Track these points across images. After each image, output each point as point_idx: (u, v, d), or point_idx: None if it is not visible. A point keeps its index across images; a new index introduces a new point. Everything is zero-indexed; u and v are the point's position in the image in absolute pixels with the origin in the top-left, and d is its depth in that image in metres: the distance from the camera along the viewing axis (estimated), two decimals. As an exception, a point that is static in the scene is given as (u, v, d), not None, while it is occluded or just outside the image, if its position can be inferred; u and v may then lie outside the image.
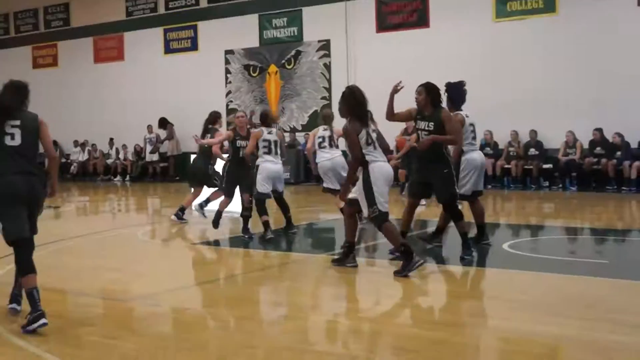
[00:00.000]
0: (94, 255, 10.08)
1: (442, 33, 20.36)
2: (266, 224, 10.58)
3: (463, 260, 8.59)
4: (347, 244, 8.40)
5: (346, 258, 8.40)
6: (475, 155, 9.52)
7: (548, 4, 18.95)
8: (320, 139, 11.55)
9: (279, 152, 10.80)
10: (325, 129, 11.59)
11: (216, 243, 10.94)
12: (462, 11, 20.06)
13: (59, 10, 28.77)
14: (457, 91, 9.50)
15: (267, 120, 11.02)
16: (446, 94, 9.27)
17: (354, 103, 8.10)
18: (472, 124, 9.48)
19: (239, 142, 11.06)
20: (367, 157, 7.90)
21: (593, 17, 18.20)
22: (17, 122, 6.18)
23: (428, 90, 8.62)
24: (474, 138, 9.60)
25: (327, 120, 11.75)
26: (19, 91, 6.45)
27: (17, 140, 6.11)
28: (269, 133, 10.76)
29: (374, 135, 8.06)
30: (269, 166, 10.71)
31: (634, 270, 8.33)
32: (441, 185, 8.65)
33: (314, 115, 22.42)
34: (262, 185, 10.68)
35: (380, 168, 7.94)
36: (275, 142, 10.76)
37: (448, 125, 8.47)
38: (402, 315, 6.71)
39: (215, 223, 11.33)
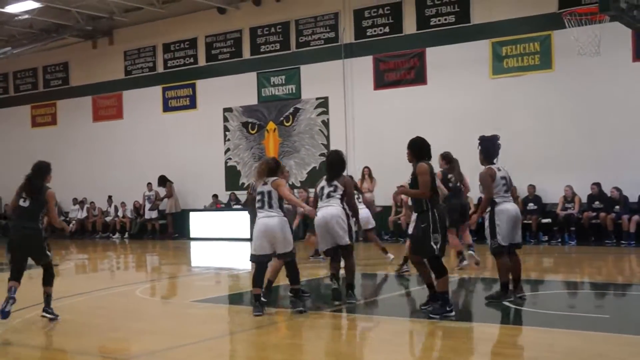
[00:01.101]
0: (93, 314, 10.01)
1: (440, 89, 20.58)
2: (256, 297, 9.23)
3: (428, 316, 8.60)
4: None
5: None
6: (508, 207, 9.60)
7: (544, 60, 19.17)
8: None
9: (274, 204, 9.16)
10: None
11: (215, 300, 10.87)
12: (459, 68, 20.28)
13: (58, 70, 29.07)
14: (489, 144, 9.72)
15: (261, 172, 9.50)
16: (479, 147, 9.68)
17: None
18: (504, 177, 9.60)
19: None
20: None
21: (589, 73, 18.39)
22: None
23: (409, 146, 8.97)
24: (507, 191, 9.66)
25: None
26: (42, 171, 9.23)
27: (27, 204, 9.07)
28: (264, 184, 9.30)
29: (325, 190, 9.94)
30: (260, 222, 9.21)
31: (635, 325, 8.29)
32: (417, 239, 8.84)
33: (313, 171, 22.54)
34: (253, 245, 9.34)
35: (317, 219, 9.88)
36: (269, 192, 9.21)
37: (419, 178, 8.60)
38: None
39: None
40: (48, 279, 9.26)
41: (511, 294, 9.63)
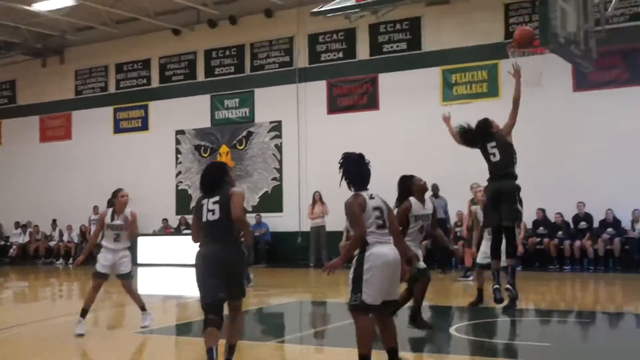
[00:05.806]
0: (31, 347, 9.60)
1: (392, 115, 20.82)
2: None
3: None
4: None
5: None
6: (383, 250, 6.81)
7: (492, 88, 19.68)
8: None
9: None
10: None
11: (161, 331, 10.65)
12: (411, 94, 20.59)
13: (4, 88, 28.63)
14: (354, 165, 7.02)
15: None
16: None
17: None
18: (378, 207, 6.92)
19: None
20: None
21: (533, 102, 18.66)
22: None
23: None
24: (382, 226, 6.81)
25: None
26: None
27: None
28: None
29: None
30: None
31: (575, 354, 8.39)
32: None
33: (265, 196, 22.53)
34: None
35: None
36: None
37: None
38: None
39: None
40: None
41: None
